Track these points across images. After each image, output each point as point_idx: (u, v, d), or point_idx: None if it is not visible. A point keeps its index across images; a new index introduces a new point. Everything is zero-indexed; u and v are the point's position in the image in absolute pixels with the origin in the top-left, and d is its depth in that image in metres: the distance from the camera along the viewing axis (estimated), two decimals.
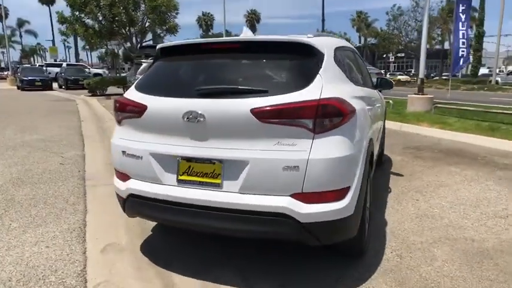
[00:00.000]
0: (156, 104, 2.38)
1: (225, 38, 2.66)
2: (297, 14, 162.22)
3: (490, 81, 30.62)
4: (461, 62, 13.37)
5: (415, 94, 10.89)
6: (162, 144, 2.37)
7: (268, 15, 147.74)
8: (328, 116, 2.11)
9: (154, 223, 3.26)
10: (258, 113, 2.10)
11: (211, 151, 2.24)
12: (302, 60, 2.36)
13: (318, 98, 2.13)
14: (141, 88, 2.56)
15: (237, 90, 2.24)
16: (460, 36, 13.05)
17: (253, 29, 68.02)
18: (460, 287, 2.38)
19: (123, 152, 2.53)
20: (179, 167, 2.34)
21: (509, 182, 4.53)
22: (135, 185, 2.50)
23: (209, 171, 2.27)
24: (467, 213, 3.58)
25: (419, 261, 2.68)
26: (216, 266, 2.61)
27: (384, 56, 53.15)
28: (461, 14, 13.12)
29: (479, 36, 37.33)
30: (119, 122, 2.62)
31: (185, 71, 2.63)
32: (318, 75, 2.27)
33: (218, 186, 2.25)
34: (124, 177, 2.59)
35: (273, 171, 2.11)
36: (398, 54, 51.87)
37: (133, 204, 2.54)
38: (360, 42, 64.74)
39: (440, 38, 44.55)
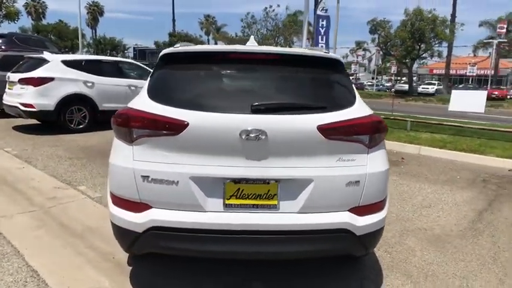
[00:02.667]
0: (203, 120, 2.03)
1: (264, 49, 2.41)
2: (142, 10, 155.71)
3: None
4: None
5: None
6: (205, 166, 2.05)
7: (111, 9, 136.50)
8: (378, 132, 2.22)
9: (124, 254, 2.76)
10: (324, 129, 2.06)
11: (266, 171, 2.07)
12: (339, 76, 2.40)
13: (369, 114, 2.23)
14: (165, 100, 2.13)
15: (298, 106, 2.13)
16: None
17: (95, 22, 62.04)
18: (449, 270, 2.86)
19: (145, 177, 2.06)
20: (226, 190, 2.07)
21: (410, 176, 5.57)
22: (161, 215, 2.08)
23: (263, 192, 2.09)
24: (402, 206, 4.26)
25: (405, 255, 3.08)
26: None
27: None
28: (321, 29, 15.15)
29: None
30: (132, 141, 2.11)
31: (224, 81, 2.30)
32: (354, 91, 2.37)
33: (274, 207, 2.09)
34: (140, 207, 2.11)
35: (337, 188, 2.10)
36: None
37: (155, 238, 2.10)
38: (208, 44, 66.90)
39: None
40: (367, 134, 2.16)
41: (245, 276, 2.62)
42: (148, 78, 2.40)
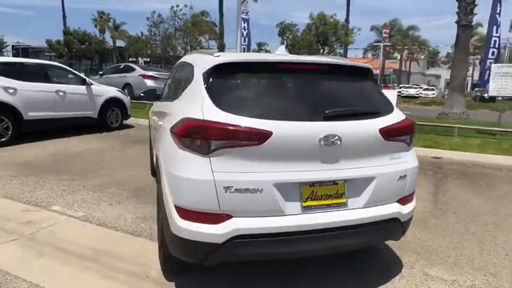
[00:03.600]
0: (285, 129, 2.12)
1: (317, 59, 2.54)
2: (23, 4, 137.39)
3: None
4: None
5: None
6: (286, 172, 2.15)
7: None
8: (414, 132, 2.59)
9: (156, 271, 2.69)
10: (384, 132, 2.33)
11: (336, 172, 2.26)
12: (374, 83, 2.70)
13: (406, 117, 2.58)
14: (240, 110, 2.14)
15: (362, 112, 2.37)
16: (241, 50, 15.45)
17: None
18: (442, 244, 3.41)
19: (227, 187, 2.07)
20: (302, 194, 2.20)
21: None
22: (244, 224, 2.11)
23: (333, 192, 2.27)
24: None
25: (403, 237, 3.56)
26: None
27: (134, 59, 53.67)
28: (243, 31, 15.57)
29: (222, 48, 44.07)
30: (210, 152, 2.09)
31: (289, 90, 2.39)
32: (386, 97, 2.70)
33: (344, 205, 2.30)
34: (220, 218, 2.11)
35: (392, 183, 2.40)
36: (145, 59, 53.64)
37: (238, 246, 2.12)
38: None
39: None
40: (409, 134, 2.51)
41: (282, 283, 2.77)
42: (202, 88, 2.32)
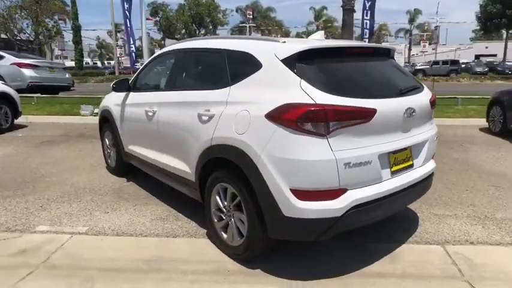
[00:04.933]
0: (384, 106, 2.37)
1: (363, 44, 2.77)
2: None
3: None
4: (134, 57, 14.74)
5: None
6: (383, 144, 2.42)
7: None
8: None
9: (232, 262, 2.68)
10: (431, 102, 2.82)
11: (408, 140, 2.63)
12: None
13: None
14: (345, 92, 2.28)
15: (416, 87, 2.75)
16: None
17: None
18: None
19: (346, 164, 2.21)
20: (390, 161, 2.50)
21: None
22: (358, 195, 2.31)
23: (405, 157, 2.64)
24: None
25: None
26: None
27: None
28: (127, 12, 14.30)
29: (76, 29, 38.99)
30: (328, 133, 2.18)
31: (366, 71, 2.60)
32: None
33: (411, 166, 2.70)
34: (338, 193, 2.26)
35: (433, 143, 2.92)
36: None
37: (354, 216, 2.30)
38: None
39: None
40: (434, 105, 3.04)
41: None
42: (288, 73, 2.34)
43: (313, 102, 2.19)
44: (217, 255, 2.84)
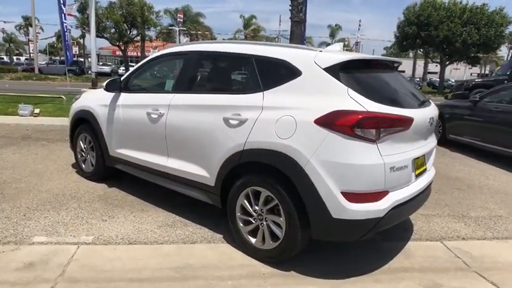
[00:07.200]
0: (417, 115, 2.61)
1: (390, 58, 2.97)
2: None
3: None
4: None
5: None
6: (415, 150, 2.68)
7: None
8: None
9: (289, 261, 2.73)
10: (439, 113, 3.14)
11: (425, 147, 2.92)
12: None
13: None
14: (387, 102, 2.49)
15: (427, 99, 3.08)
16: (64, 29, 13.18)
17: None
18: None
19: (391, 168, 2.41)
20: (414, 165, 2.76)
21: None
22: (396, 196, 2.52)
23: (421, 162, 2.92)
24: None
25: None
26: None
27: None
28: (62, 6, 13.12)
29: None
30: (378, 139, 2.34)
31: (390, 83, 2.83)
32: None
33: (426, 170, 3.00)
34: (382, 195, 2.44)
35: (435, 151, 3.26)
36: None
37: (391, 216, 2.49)
38: None
39: None
40: None
41: None
42: (333, 81, 2.46)
43: (365, 110, 2.35)
44: (244, 259, 2.84)
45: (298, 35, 12.37)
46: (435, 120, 2.98)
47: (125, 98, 3.88)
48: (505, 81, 11.50)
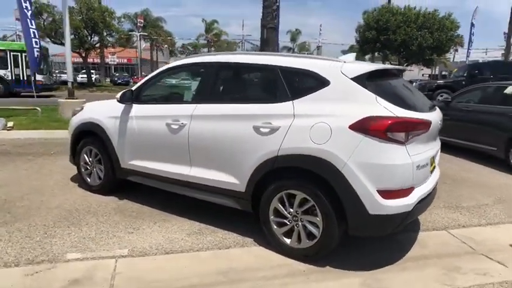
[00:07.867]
0: (432, 118, 2.93)
1: (398, 66, 3.25)
2: None
3: None
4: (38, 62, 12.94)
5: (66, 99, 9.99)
6: (431, 149, 2.98)
7: None
8: None
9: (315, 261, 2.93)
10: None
11: (436, 147, 3.25)
12: None
13: None
14: (408, 107, 2.79)
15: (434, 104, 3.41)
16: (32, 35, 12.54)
17: None
18: None
19: (417, 166, 2.69)
20: (431, 163, 3.07)
21: None
22: (419, 192, 2.81)
23: (431, 161, 3.24)
24: None
25: None
26: None
27: None
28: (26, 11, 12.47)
29: None
30: (406, 141, 2.62)
31: (404, 89, 3.11)
32: None
33: (435, 168, 3.32)
34: (410, 191, 2.72)
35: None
36: None
37: (415, 210, 2.77)
38: None
39: None
40: None
41: None
42: (361, 90, 2.71)
43: (395, 115, 2.62)
44: (280, 259, 3.00)
45: (273, 41, 12.67)
46: (442, 122, 3.33)
47: (138, 109, 3.91)
48: (463, 82, 12.50)
